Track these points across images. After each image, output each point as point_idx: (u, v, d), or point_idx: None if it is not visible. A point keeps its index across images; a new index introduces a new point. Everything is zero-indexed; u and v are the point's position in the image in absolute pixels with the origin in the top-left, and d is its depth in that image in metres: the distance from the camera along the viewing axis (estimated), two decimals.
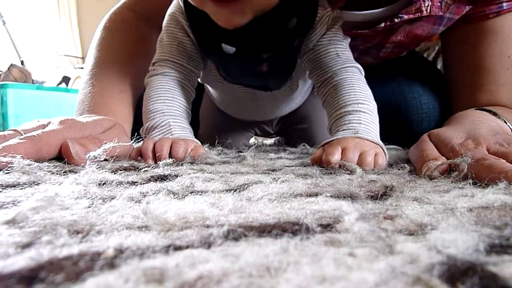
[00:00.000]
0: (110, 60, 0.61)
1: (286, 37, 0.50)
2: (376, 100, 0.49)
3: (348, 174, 0.35)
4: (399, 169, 0.38)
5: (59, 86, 2.37)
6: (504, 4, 0.57)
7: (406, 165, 0.39)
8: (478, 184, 0.29)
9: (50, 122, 0.42)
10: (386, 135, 0.50)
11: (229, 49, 0.50)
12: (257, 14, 0.43)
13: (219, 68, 0.58)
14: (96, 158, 0.37)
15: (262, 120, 0.77)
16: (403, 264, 0.14)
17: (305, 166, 0.42)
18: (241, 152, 0.56)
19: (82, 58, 3.56)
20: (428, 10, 0.56)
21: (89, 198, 0.24)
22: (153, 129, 0.49)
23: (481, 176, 0.31)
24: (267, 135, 0.86)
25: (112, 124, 0.48)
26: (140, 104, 0.55)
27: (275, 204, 0.23)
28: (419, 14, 0.56)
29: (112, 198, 0.24)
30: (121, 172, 0.35)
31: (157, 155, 0.42)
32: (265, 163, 0.43)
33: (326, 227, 0.19)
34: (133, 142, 0.48)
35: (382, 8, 0.60)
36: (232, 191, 0.27)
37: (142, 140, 0.48)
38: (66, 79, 2.48)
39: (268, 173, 0.37)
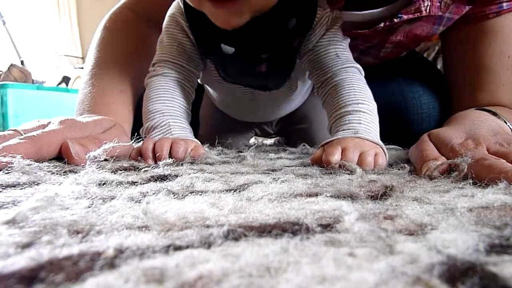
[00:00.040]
0: (110, 60, 0.61)
1: (286, 38, 0.50)
2: (376, 100, 0.49)
3: (348, 174, 0.35)
4: (399, 169, 0.38)
5: (59, 86, 2.38)
6: (504, 4, 0.57)
7: (406, 165, 0.39)
8: (478, 184, 0.29)
9: (50, 122, 0.42)
10: (386, 135, 0.50)
11: (228, 49, 0.50)
12: (255, 14, 0.43)
13: (218, 68, 0.58)
14: (96, 158, 0.37)
15: (262, 121, 0.77)
16: (403, 264, 0.14)
17: (305, 166, 0.42)
18: (241, 152, 0.56)
19: (82, 58, 3.57)
20: (428, 10, 0.56)
21: (89, 198, 0.24)
22: (153, 129, 0.50)
23: (481, 176, 0.31)
24: (267, 135, 0.86)
25: (112, 124, 0.48)
26: (140, 104, 0.55)
27: (275, 204, 0.23)
28: (419, 14, 0.56)
29: (112, 198, 0.24)
30: (121, 172, 0.35)
31: (157, 155, 0.42)
32: (265, 163, 0.43)
33: (326, 227, 0.19)
34: (133, 142, 0.48)
35: (381, 8, 0.60)
36: (232, 191, 0.27)
37: (142, 140, 0.48)
38: (66, 79, 2.48)
39: (268, 173, 0.37)
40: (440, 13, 0.57)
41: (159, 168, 0.37)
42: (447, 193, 0.27)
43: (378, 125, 0.47)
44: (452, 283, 0.13)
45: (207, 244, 0.16)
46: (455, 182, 0.31)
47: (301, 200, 0.24)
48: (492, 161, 0.32)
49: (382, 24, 0.59)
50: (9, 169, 0.31)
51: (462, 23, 0.61)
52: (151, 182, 0.31)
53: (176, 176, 0.33)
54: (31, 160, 0.33)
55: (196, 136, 0.52)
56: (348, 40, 0.54)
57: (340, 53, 0.52)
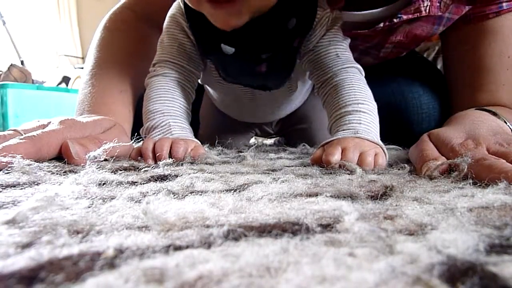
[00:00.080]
0: (110, 60, 0.61)
1: (285, 38, 0.50)
2: (376, 100, 0.49)
3: (348, 174, 0.35)
4: (399, 169, 0.38)
5: (59, 86, 2.38)
6: (504, 4, 0.57)
7: (406, 165, 0.39)
8: (478, 184, 0.29)
9: (50, 122, 0.42)
10: (386, 135, 0.50)
11: (228, 49, 0.50)
12: (254, 15, 0.43)
13: (218, 68, 0.58)
14: (96, 158, 0.37)
15: (262, 122, 0.77)
16: (403, 264, 0.14)
17: (305, 166, 0.42)
18: (241, 152, 0.56)
19: (82, 58, 3.57)
20: (427, 10, 0.56)
21: (89, 198, 0.24)
22: (153, 129, 0.50)
23: (481, 176, 0.31)
24: (267, 135, 0.86)
25: (112, 124, 0.48)
26: (140, 104, 0.55)
27: (275, 204, 0.23)
28: (418, 14, 0.56)
29: (112, 198, 0.24)
30: (121, 172, 0.35)
31: (157, 155, 0.42)
32: (265, 163, 0.43)
33: (326, 227, 0.19)
34: (133, 142, 0.48)
35: (381, 8, 0.60)
36: (232, 191, 0.27)
37: (142, 140, 0.48)
38: (66, 79, 2.48)
39: (268, 173, 0.37)
40: (439, 13, 0.57)
41: (159, 168, 0.37)
42: (447, 193, 0.27)
43: (378, 125, 0.47)
44: (452, 283, 0.13)
45: (207, 244, 0.16)
46: (455, 182, 0.31)
47: (301, 200, 0.24)
48: (492, 161, 0.32)
49: (381, 24, 0.59)
50: (9, 169, 0.31)
51: (462, 23, 0.61)
52: (151, 182, 0.31)
53: (176, 176, 0.33)
54: (31, 160, 0.33)
55: (196, 136, 0.52)
56: (349, 40, 0.54)
57: (341, 53, 0.52)
